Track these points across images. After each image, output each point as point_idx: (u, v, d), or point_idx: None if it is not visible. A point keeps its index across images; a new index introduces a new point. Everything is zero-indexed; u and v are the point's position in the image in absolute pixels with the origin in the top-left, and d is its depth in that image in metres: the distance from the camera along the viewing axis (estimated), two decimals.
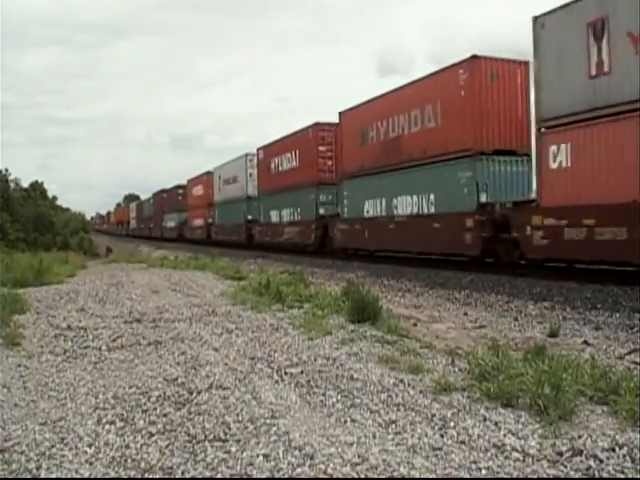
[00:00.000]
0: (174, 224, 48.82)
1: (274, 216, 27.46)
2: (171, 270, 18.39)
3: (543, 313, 9.20)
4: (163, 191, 54.74)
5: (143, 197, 78.89)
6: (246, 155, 31.23)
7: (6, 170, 41.94)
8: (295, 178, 24.51)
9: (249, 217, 30.74)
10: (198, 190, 41.67)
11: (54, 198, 53.22)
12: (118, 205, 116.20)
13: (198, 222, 41.62)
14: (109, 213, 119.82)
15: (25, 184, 46.03)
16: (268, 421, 3.95)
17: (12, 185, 42.71)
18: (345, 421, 4.00)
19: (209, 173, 39.12)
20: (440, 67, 15.55)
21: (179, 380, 5.04)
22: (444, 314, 9.40)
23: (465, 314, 9.30)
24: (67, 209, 63.18)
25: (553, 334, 7.36)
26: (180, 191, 47.87)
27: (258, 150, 30.00)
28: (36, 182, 49.59)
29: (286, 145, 25.95)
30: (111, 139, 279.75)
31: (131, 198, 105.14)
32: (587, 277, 11.33)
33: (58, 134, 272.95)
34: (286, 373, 5.25)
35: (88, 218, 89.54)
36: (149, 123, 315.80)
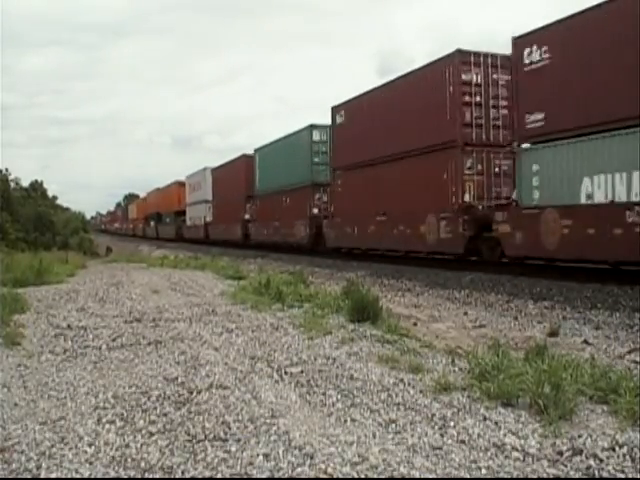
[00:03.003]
0: None
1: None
2: (171, 270, 18.42)
3: (543, 312, 9.20)
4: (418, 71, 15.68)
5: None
6: None
7: (6, 170, 41.85)
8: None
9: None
10: None
11: (54, 198, 52.81)
12: (118, 205, 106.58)
13: None
14: (126, 204, 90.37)
15: (25, 184, 45.87)
16: (268, 421, 3.95)
17: (12, 185, 42.57)
18: (345, 420, 3.99)
19: None
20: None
21: (179, 379, 5.04)
22: (444, 313, 9.41)
23: (465, 314, 9.31)
24: (67, 209, 62.78)
25: (553, 333, 7.37)
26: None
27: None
28: (36, 182, 49.27)
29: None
30: (112, 139, 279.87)
31: (131, 198, 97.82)
32: (587, 277, 11.35)
33: (59, 134, 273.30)
34: (286, 373, 5.25)
35: (88, 218, 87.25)
36: (150, 123, 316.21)
